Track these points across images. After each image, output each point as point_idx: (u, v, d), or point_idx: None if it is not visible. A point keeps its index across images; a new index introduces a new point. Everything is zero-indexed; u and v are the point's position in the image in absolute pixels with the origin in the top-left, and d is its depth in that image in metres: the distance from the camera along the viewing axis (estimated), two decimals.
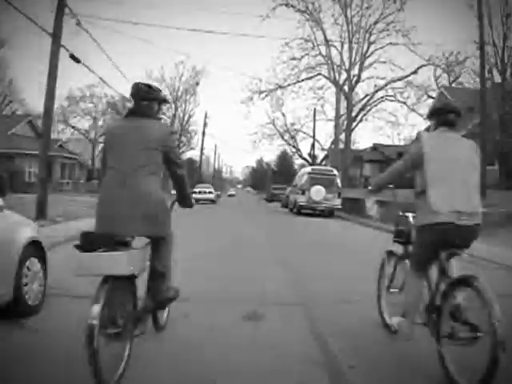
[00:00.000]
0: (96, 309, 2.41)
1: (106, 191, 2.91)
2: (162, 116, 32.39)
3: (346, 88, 34.66)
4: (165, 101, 3.41)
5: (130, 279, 2.81)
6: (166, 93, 40.87)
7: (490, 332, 2.52)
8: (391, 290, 3.80)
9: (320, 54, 34.76)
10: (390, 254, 3.93)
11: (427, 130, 3.58)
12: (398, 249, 3.76)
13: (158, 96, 3.20)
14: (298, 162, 52.56)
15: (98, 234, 2.77)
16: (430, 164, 2.98)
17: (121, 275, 2.64)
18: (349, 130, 35.53)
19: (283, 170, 58.10)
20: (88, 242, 2.67)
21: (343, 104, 35.10)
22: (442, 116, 3.19)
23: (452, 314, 2.83)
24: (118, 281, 2.63)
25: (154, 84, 3.39)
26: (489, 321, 2.53)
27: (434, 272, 3.16)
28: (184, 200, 3.38)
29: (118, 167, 2.88)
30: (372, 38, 33.62)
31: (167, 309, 3.57)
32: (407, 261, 3.47)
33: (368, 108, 36.07)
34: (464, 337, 2.74)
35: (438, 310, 2.97)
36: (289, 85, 36.14)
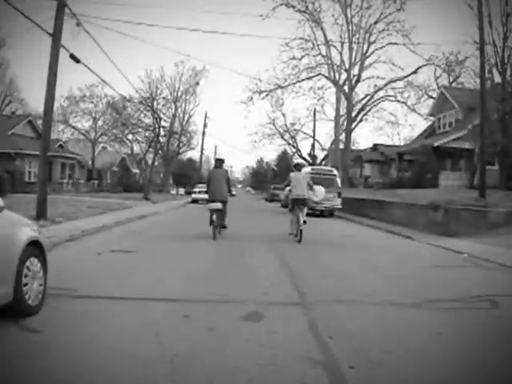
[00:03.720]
0: (214, 217, 10.32)
1: (212, 189, 10.79)
2: (163, 117, 36.84)
3: (345, 88, 34.67)
4: (222, 160, 11.55)
5: (220, 211, 10.57)
6: (166, 93, 41.36)
7: (299, 225, 10.23)
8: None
9: (320, 53, 34.82)
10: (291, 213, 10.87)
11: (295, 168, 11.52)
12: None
13: (223, 161, 11.62)
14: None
15: (211, 199, 10.73)
16: (293, 181, 10.69)
17: (218, 209, 10.52)
18: (349, 130, 35.54)
19: (283, 170, 58.04)
20: (209, 201, 10.82)
21: (343, 104, 35.12)
22: (297, 167, 11.54)
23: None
24: (217, 211, 10.49)
25: (223, 157, 12.16)
26: (300, 224, 10.23)
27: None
28: (230, 191, 11.35)
29: (216, 183, 10.80)
30: (372, 38, 33.70)
31: (225, 230, 11.23)
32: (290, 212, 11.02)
33: (368, 108, 36.14)
34: (297, 229, 10.39)
35: (297, 229, 10.58)
36: (289, 85, 36.22)
